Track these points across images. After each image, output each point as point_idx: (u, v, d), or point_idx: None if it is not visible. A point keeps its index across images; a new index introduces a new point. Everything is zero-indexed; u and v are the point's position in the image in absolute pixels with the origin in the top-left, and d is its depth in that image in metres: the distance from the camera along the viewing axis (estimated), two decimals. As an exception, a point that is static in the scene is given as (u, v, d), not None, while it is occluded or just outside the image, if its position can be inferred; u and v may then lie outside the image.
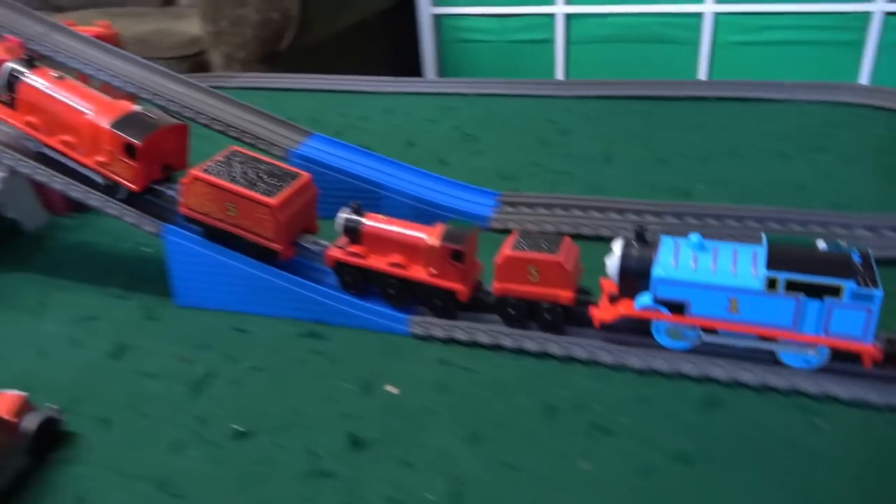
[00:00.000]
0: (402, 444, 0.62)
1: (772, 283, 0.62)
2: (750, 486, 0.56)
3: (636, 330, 0.70)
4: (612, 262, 0.69)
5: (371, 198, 1.01)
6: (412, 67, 3.57)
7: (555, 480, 0.58)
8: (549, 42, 3.49)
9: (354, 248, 0.78)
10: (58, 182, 0.85)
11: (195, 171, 0.78)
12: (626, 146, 1.26)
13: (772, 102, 1.37)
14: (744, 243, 0.68)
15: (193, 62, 2.75)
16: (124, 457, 0.63)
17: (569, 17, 3.41)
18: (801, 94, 1.37)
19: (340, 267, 0.79)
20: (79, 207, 0.96)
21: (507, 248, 0.73)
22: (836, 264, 0.61)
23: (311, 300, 0.79)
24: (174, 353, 0.77)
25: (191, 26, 2.79)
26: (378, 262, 0.77)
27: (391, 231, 0.77)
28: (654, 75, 3.38)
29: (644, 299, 0.67)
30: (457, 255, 0.74)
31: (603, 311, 0.70)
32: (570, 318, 0.73)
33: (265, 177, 0.79)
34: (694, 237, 0.68)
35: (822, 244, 0.64)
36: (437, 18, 3.46)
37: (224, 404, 0.68)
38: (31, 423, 0.62)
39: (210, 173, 0.78)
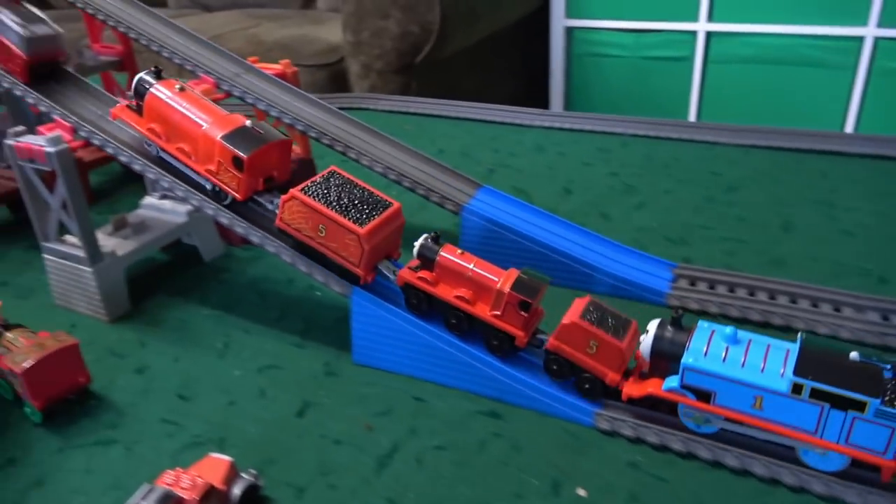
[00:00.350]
0: (596, 559, 0.61)
1: (797, 389, 0.62)
2: None
3: (660, 404, 0.72)
4: (646, 341, 0.71)
5: (539, 258, 1.00)
6: (539, 80, 3.55)
7: None
8: (687, 60, 3.36)
9: (425, 274, 0.80)
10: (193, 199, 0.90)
11: (295, 191, 0.81)
12: (804, 212, 1.18)
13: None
14: (780, 340, 0.67)
15: (332, 70, 2.84)
16: (319, 531, 0.65)
17: (710, 34, 3.27)
18: None
19: (408, 288, 0.81)
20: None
21: (577, 315, 0.73)
22: (865, 379, 0.60)
23: (492, 378, 0.78)
24: (357, 416, 0.78)
25: (330, 33, 2.87)
26: (445, 291, 0.79)
27: (464, 267, 0.78)
28: (797, 100, 3.18)
29: (672, 382, 0.68)
30: (524, 306, 0.75)
31: (632, 387, 0.72)
32: (607, 391, 0.74)
33: (358, 203, 0.81)
34: (728, 329, 0.68)
35: (854, 355, 0.63)
36: (570, 31, 3.41)
37: (411, 485, 0.69)
38: (237, 490, 0.65)
39: (308, 194, 0.81)
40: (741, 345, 0.67)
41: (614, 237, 1.11)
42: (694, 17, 3.27)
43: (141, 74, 0.90)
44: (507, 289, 0.75)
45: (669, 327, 0.70)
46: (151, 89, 0.88)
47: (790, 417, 0.63)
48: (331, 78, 2.93)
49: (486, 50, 3.09)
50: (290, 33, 2.94)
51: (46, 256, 1.02)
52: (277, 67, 1.24)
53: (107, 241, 1.03)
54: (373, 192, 0.83)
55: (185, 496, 0.59)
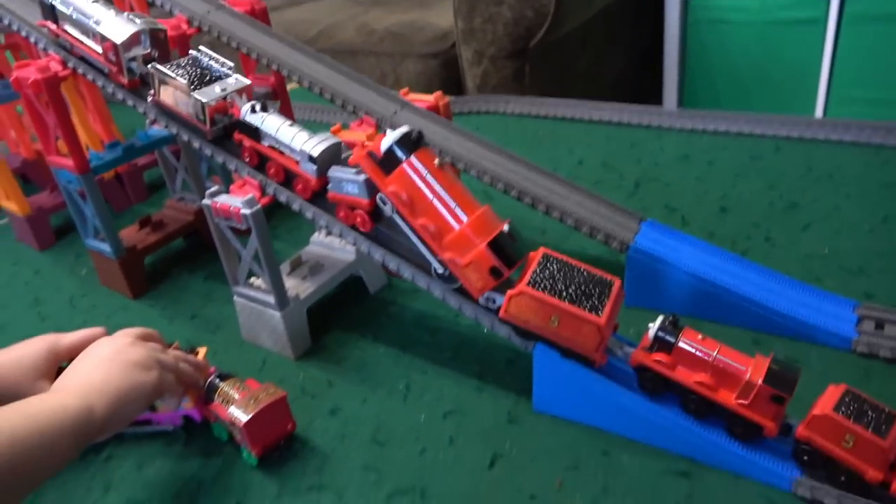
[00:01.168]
0: None
1: None
2: None
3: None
4: None
5: (711, 299, 0.99)
6: (651, 53, 3.43)
7: None
8: (819, 22, 3.13)
9: (662, 357, 0.79)
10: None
11: (524, 287, 0.81)
12: None
13: None
14: None
15: (444, 58, 2.85)
16: None
17: (845, -4, 3.02)
18: None
19: (643, 370, 0.81)
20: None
21: (829, 406, 0.71)
22: None
23: (683, 435, 0.79)
24: (546, 470, 0.82)
25: (440, 17, 2.88)
26: (684, 376, 0.78)
27: (708, 353, 0.78)
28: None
29: None
30: (778, 400, 0.73)
31: None
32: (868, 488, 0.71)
33: (584, 287, 0.81)
34: None
35: None
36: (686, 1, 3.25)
37: (612, 549, 0.72)
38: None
39: (537, 287, 0.81)
40: None
41: (782, 266, 1.08)
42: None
43: (393, 142, 0.85)
44: (758, 380, 0.74)
45: None
46: (406, 162, 0.85)
47: None
48: (443, 65, 2.95)
49: (597, 26, 3.01)
50: (400, 20, 2.96)
51: (237, 299, 1.11)
52: (430, 100, 1.27)
53: (288, 282, 1.11)
54: (591, 271, 0.84)
55: None
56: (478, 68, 2.88)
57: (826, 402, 0.72)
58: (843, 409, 0.71)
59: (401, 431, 0.91)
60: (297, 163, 0.94)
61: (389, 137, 0.85)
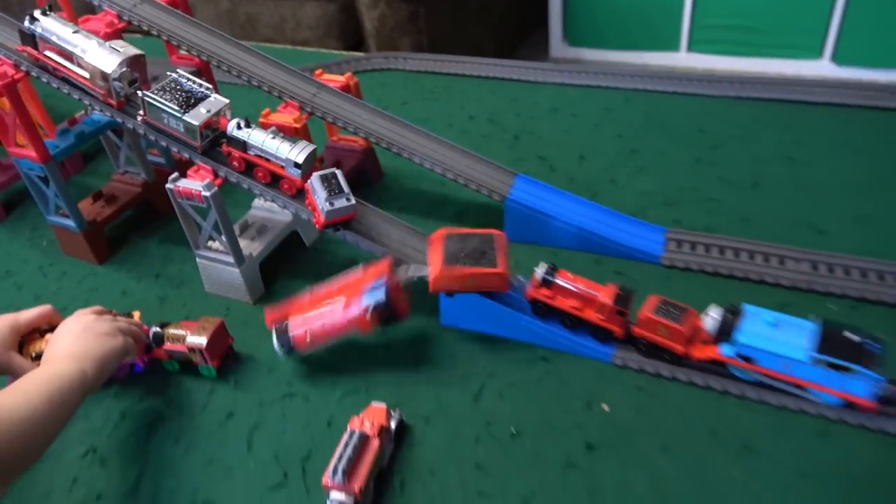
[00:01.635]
0: (617, 449, 1.00)
1: (815, 361, 0.97)
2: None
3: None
4: (710, 323, 1.04)
5: (566, 234, 1.34)
6: None
7: (718, 483, 0.94)
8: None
9: (546, 292, 1.15)
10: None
11: (439, 269, 1.13)
12: (772, 169, 1.50)
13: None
14: (802, 320, 1.01)
15: (343, 2, 3.07)
16: (441, 447, 1.05)
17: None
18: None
19: (534, 302, 1.16)
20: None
21: (649, 311, 1.08)
22: (856, 352, 0.95)
23: (546, 334, 1.15)
24: (449, 366, 1.17)
25: None
26: (561, 303, 1.14)
27: (576, 287, 1.13)
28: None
29: (728, 351, 1.03)
30: (622, 314, 1.10)
31: (698, 351, 1.07)
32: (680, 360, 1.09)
33: (478, 248, 1.14)
34: (768, 315, 1.01)
35: (848, 333, 0.97)
36: None
37: (499, 412, 1.08)
38: (393, 424, 1.04)
39: (447, 263, 1.13)
40: (778, 327, 1.00)
41: (621, 202, 1.45)
42: None
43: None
44: (609, 302, 1.09)
45: (727, 314, 1.04)
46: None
47: (809, 375, 0.99)
48: (341, 9, 3.16)
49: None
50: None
51: (199, 260, 1.38)
52: (341, 80, 1.53)
53: (240, 242, 1.38)
54: (478, 233, 1.17)
55: (370, 433, 0.98)
56: (375, 11, 3.11)
57: (648, 307, 1.09)
58: (658, 311, 1.08)
59: (343, 346, 1.23)
60: (283, 168, 1.20)
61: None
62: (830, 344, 0.96)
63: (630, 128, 1.72)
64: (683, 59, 3.97)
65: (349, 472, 0.93)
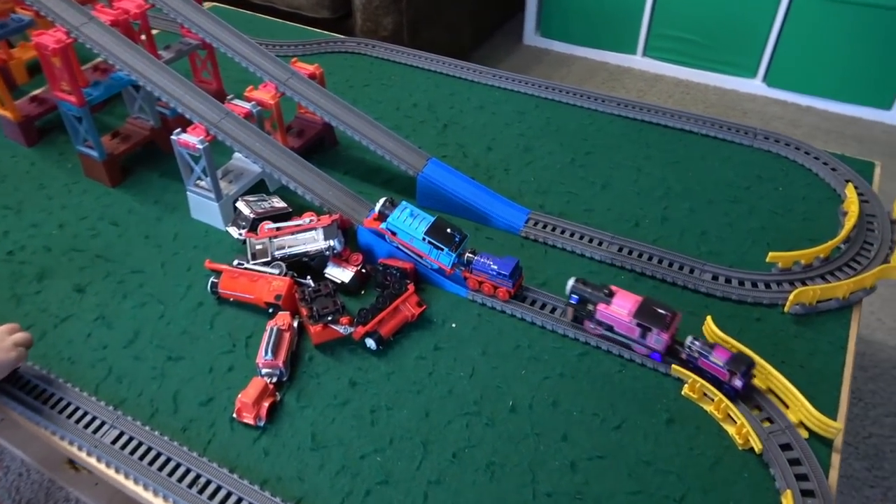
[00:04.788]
0: (456, 351, 1.53)
1: (423, 239, 1.53)
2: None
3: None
4: (378, 207, 1.59)
5: (460, 208, 1.85)
6: None
7: (510, 376, 1.48)
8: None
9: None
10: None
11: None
12: (621, 174, 2.02)
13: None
14: (428, 215, 1.56)
15: None
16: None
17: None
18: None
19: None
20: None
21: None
22: (447, 238, 1.52)
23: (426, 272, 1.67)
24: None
25: None
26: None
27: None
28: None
29: (384, 225, 1.59)
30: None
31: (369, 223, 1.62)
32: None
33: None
34: (411, 210, 1.57)
35: (449, 229, 1.52)
36: None
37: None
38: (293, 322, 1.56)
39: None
40: (413, 217, 1.51)
41: (507, 187, 1.95)
42: None
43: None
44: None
45: (386, 202, 1.60)
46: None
47: (422, 248, 1.51)
48: None
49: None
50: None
51: (189, 193, 1.87)
52: (310, 69, 2.01)
53: (221, 183, 1.87)
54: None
55: (283, 328, 1.50)
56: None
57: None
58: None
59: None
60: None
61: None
62: (433, 231, 1.49)
63: (531, 129, 2.22)
64: (638, 61, 4.47)
65: (275, 352, 1.45)
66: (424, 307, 1.57)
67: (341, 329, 1.48)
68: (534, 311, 1.57)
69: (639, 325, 1.29)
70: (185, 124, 1.78)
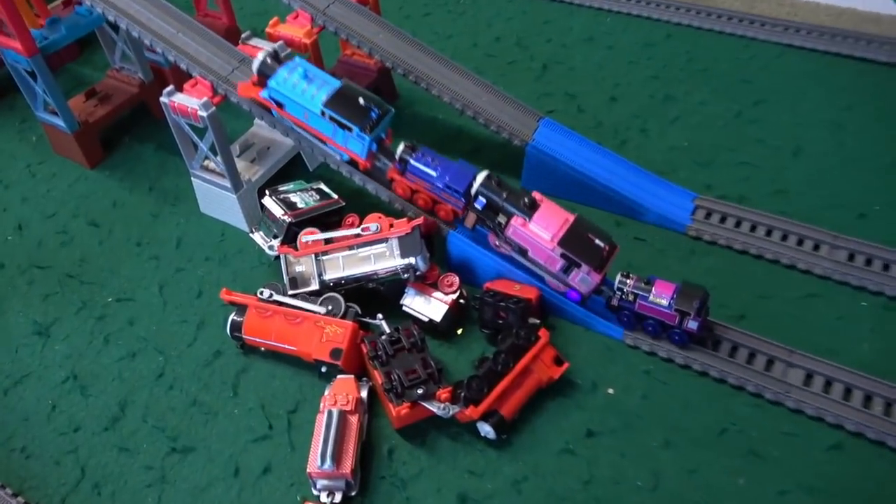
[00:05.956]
0: (619, 438, 0.96)
1: (323, 113, 1.06)
2: None
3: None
4: (255, 63, 1.10)
5: (588, 191, 1.24)
6: None
7: (720, 488, 0.90)
8: None
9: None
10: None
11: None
12: (817, 134, 1.38)
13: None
14: (334, 79, 1.08)
15: None
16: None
17: None
18: None
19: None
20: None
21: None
22: (359, 113, 1.05)
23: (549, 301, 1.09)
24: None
25: None
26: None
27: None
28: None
29: (265, 93, 1.12)
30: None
31: (245, 90, 1.14)
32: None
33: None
34: (304, 68, 1.08)
35: (362, 99, 1.06)
36: None
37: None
38: (364, 393, 0.99)
39: None
40: (309, 79, 1.05)
41: (650, 156, 1.35)
42: None
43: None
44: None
45: (268, 57, 1.11)
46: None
47: (322, 128, 1.07)
48: None
49: None
50: None
51: (195, 180, 1.29)
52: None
53: (239, 164, 1.28)
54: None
55: (348, 410, 0.93)
56: None
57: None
58: None
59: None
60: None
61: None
62: (337, 102, 1.04)
63: (669, 69, 1.58)
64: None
65: (337, 456, 0.88)
66: (566, 365, 0.98)
67: (439, 409, 0.92)
68: (739, 367, 0.99)
69: (564, 255, 1.00)
70: (185, 78, 1.18)
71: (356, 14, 1.33)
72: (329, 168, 1.20)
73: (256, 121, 1.38)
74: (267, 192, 1.21)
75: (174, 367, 1.09)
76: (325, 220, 1.16)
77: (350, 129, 1.05)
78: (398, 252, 1.06)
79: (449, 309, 1.06)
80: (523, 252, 1.05)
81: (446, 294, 1.07)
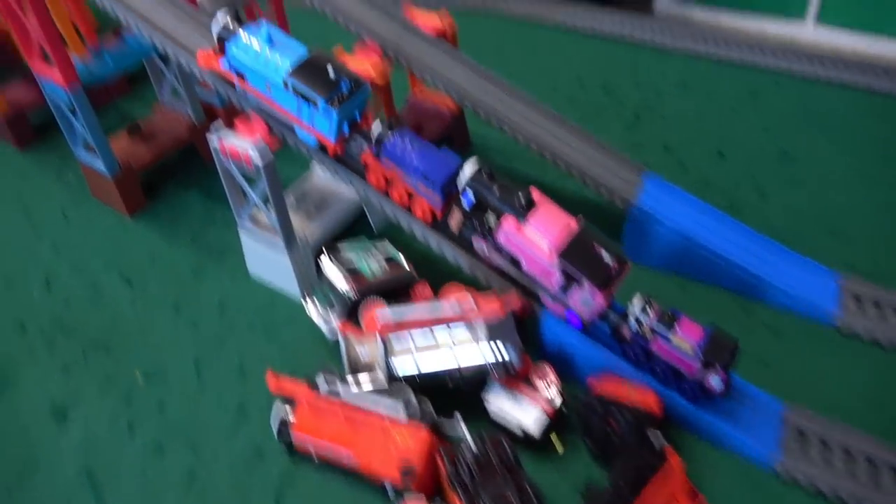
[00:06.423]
0: None
1: (286, 84, 0.90)
2: None
3: None
4: (214, 26, 0.95)
5: (708, 264, 1.04)
6: None
7: None
8: None
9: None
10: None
11: None
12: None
13: None
14: (301, 47, 0.92)
15: None
16: None
17: None
18: None
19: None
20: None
21: None
22: (324, 85, 0.88)
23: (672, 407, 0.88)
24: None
25: None
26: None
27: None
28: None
29: (226, 64, 0.96)
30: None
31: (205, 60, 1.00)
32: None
33: None
34: (267, 32, 0.92)
35: (330, 69, 0.88)
36: None
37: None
38: None
39: None
40: (276, 45, 0.90)
41: (771, 222, 1.14)
42: None
43: None
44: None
45: (229, 21, 0.95)
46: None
47: (287, 104, 0.91)
48: None
49: None
50: None
51: (243, 235, 1.12)
52: (436, 23, 1.21)
53: (294, 218, 1.11)
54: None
55: None
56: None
57: None
58: None
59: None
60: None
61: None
62: (303, 71, 0.87)
63: (780, 120, 1.38)
64: (811, 32, 3.48)
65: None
66: (702, 501, 0.77)
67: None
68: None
69: (563, 269, 0.82)
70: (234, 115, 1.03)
71: (430, 46, 1.17)
72: (400, 232, 1.02)
73: (314, 167, 1.22)
74: (325, 251, 1.03)
75: (207, 468, 0.90)
76: (394, 292, 0.97)
77: (315, 104, 0.88)
78: (485, 340, 0.86)
79: (549, 420, 0.85)
80: (516, 263, 0.88)
81: (542, 396, 0.86)
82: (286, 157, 1.10)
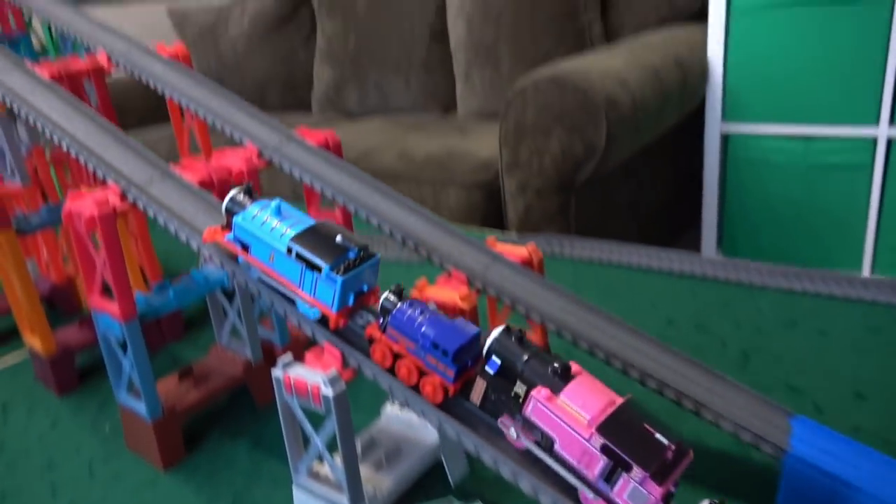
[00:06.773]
0: None
1: (289, 251, 0.81)
2: None
3: None
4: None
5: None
6: (687, 184, 3.41)
7: None
8: (865, 168, 3.07)
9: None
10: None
11: None
12: None
13: None
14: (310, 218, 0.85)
15: (488, 189, 2.77)
16: None
17: (893, 142, 2.98)
18: None
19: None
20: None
21: None
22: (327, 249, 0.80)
23: None
24: None
25: (479, 145, 2.83)
26: None
27: None
28: None
29: (231, 236, 0.89)
30: None
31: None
32: None
33: None
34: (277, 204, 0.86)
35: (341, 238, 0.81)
36: (726, 137, 3.22)
37: None
38: None
39: None
40: (285, 218, 0.84)
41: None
42: (874, 121, 3.03)
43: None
44: None
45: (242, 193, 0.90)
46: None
47: (289, 273, 0.82)
48: (485, 196, 2.87)
49: (640, 160, 2.98)
50: (439, 147, 2.93)
51: (297, 492, 0.92)
52: (523, 253, 1.12)
53: (362, 470, 0.91)
54: None
55: None
56: (521, 200, 2.80)
57: None
58: None
59: None
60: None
61: None
62: (306, 238, 0.81)
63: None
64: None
65: None
66: None
67: None
68: None
69: (605, 448, 0.65)
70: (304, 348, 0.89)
71: (518, 276, 1.06)
72: (473, 474, 0.82)
73: (385, 411, 1.05)
74: (399, 513, 0.82)
75: None
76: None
77: (319, 270, 0.80)
78: None
79: None
80: (549, 444, 0.70)
81: None
82: (354, 405, 0.94)
